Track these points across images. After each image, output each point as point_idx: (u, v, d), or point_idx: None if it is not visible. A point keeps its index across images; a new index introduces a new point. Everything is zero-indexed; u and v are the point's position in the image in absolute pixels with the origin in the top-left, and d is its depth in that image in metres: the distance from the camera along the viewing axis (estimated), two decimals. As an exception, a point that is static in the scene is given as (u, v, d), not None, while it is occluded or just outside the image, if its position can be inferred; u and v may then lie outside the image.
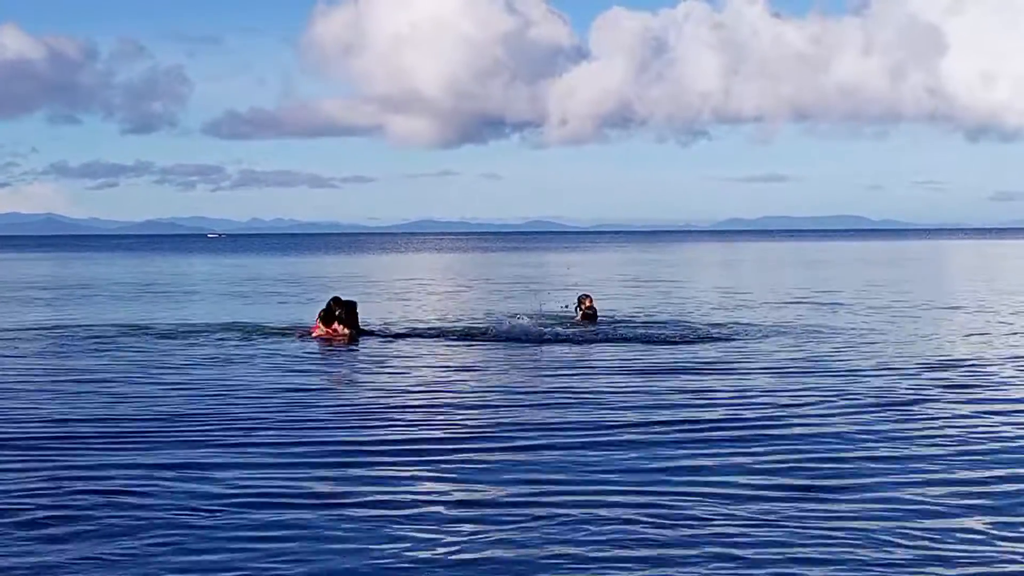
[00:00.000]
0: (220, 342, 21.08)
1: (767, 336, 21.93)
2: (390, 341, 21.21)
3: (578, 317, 24.56)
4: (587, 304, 24.79)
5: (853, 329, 23.45)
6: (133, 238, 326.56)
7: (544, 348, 20.06)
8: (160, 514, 8.60)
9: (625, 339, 21.43)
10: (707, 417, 12.86)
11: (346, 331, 20.93)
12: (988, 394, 14.61)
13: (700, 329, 23.39)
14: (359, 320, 21.50)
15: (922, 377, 16.12)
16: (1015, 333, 22.77)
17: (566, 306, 25.12)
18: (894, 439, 11.51)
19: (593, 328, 23.33)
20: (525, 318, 22.79)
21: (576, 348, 20.17)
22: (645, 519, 8.46)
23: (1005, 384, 15.52)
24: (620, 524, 8.33)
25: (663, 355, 18.93)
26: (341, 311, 21.06)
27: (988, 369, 17.07)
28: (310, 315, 23.31)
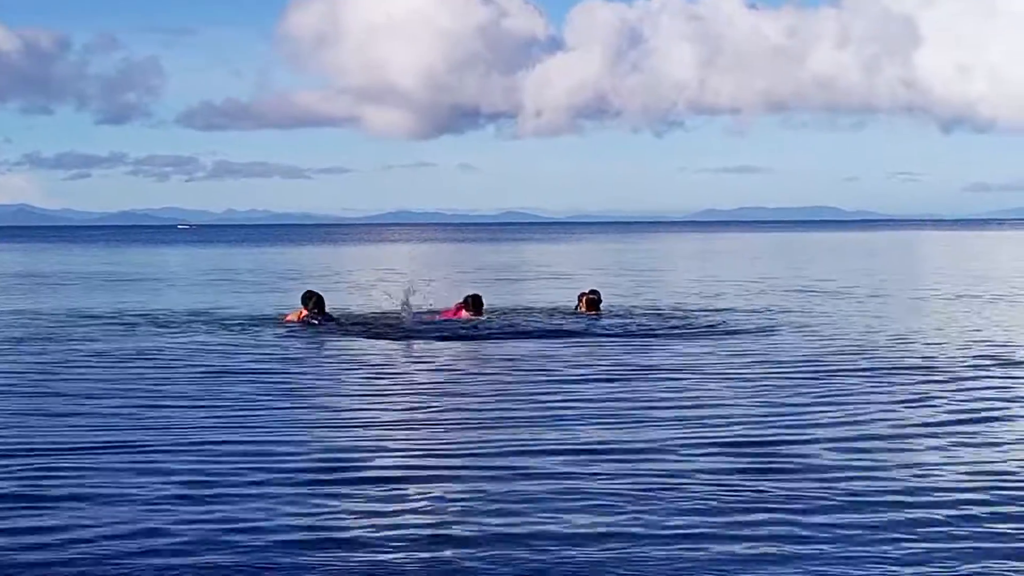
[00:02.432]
0: (186, 331, 20.50)
1: (763, 328, 21.25)
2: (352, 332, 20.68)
3: (581, 309, 23.55)
4: (587, 297, 23.81)
5: (849, 319, 22.86)
6: (106, 229, 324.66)
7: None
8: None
9: (621, 333, 20.61)
10: (698, 415, 12.02)
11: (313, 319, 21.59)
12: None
13: (694, 320, 22.66)
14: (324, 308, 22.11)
15: (924, 375, 15.35)
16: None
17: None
18: (898, 444, 10.62)
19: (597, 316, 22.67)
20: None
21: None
22: (637, 529, 7.65)
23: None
24: (608, 531, 7.57)
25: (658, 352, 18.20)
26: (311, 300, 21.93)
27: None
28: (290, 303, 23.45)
